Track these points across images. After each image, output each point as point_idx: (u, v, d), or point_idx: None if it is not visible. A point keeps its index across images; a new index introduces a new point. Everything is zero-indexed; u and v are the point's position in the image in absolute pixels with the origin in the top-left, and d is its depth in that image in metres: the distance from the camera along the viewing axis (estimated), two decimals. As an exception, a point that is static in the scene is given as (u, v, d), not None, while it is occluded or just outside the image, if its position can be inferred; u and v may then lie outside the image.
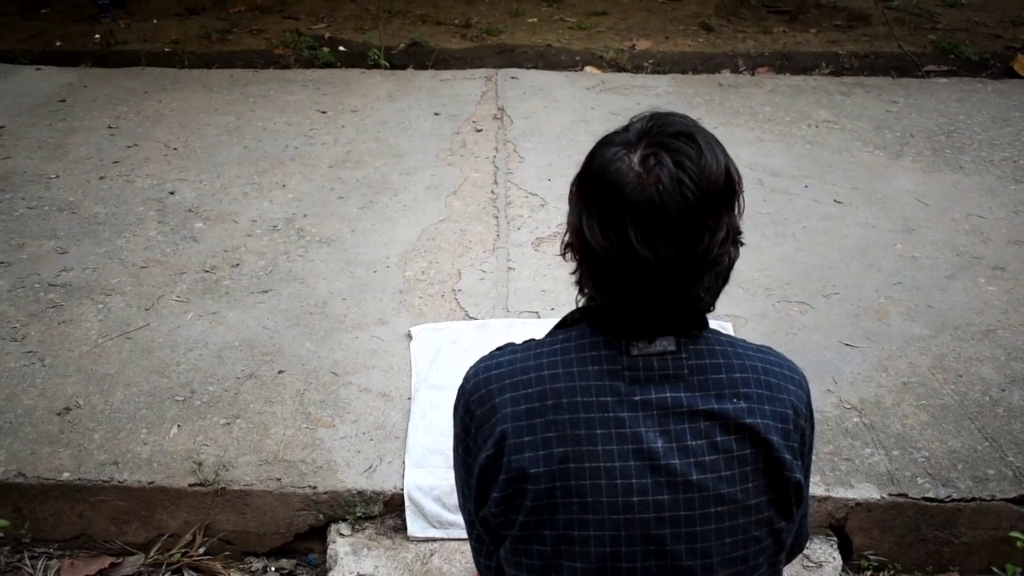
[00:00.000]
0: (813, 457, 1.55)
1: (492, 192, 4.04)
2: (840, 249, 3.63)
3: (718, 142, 1.28)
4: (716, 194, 1.25)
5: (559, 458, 1.31)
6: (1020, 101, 5.14)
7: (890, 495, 2.47)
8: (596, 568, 1.32)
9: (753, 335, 3.03)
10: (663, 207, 1.22)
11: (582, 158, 1.34)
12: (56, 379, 2.83)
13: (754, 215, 3.77)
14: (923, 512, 2.47)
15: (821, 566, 2.43)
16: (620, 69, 5.63)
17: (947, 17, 6.55)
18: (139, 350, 2.97)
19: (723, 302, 1.36)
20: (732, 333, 3.01)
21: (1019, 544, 2.39)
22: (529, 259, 3.52)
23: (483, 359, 1.44)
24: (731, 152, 1.31)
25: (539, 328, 2.86)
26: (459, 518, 2.31)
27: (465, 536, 1.61)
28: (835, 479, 2.50)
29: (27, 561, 2.49)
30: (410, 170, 4.25)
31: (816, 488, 2.45)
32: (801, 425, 1.38)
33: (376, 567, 2.39)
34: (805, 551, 2.41)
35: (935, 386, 2.86)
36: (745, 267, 3.26)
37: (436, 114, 4.86)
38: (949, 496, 2.46)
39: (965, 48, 5.81)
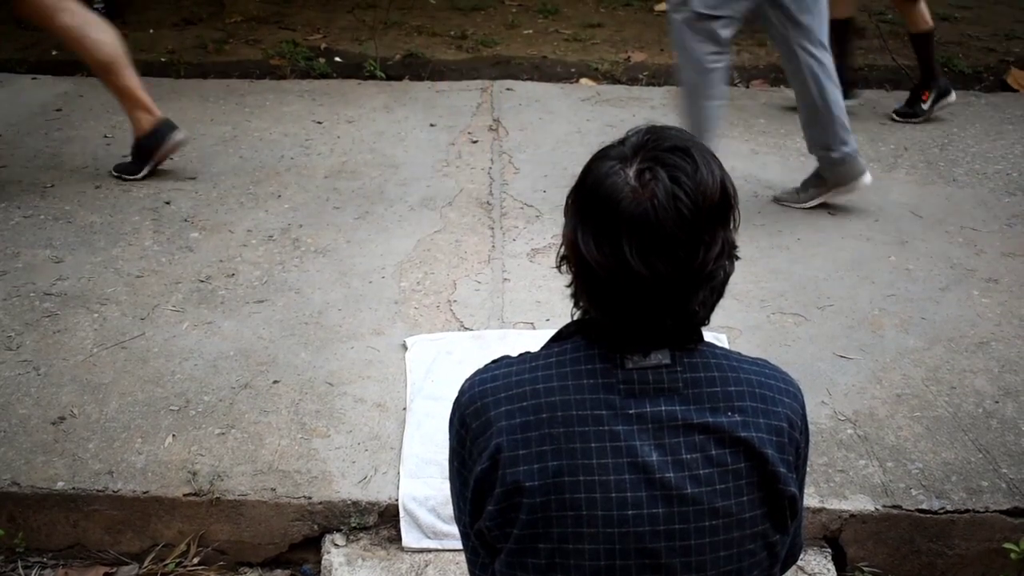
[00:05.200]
0: (808, 469, 1.56)
1: (487, 203, 4.05)
2: (834, 261, 3.64)
3: (714, 156, 1.29)
4: (711, 209, 1.26)
5: (554, 471, 1.31)
6: (1013, 114, 5.16)
7: (884, 507, 2.47)
8: (591, 581, 1.32)
9: (747, 347, 3.04)
10: (658, 222, 1.23)
11: (577, 169, 1.35)
12: (51, 388, 2.83)
13: (749, 227, 3.78)
14: (917, 524, 2.47)
15: (815, 578, 2.44)
16: (615, 81, 5.65)
17: (941, 31, 6.57)
18: (134, 360, 2.97)
19: (717, 314, 1.37)
20: (727, 345, 3.02)
21: (1013, 556, 2.40)
22: (524, 270, 3.53)
23: (478, 372, 1.44)
24: (726, 164, 1.32)
25: (534, 339, 2.86)
26: (454, 529, 2.30)
27: (460, 547, 1.61)
28: (829, 491, 2.51)
29: (21, 571, 2.49)
30: (406, 181, 4.26)
31: (810, 499, 2.45)
32: (796, 438, 1.38)
33: (371, 578, 2.39)
34: (799, 563, 2.41)
35: (929, 398, 2.87)
36: (739, 279, 3.27)
37: (432, 125, 4.88)
38: (943, 508, 2.47)
39: (959, 61, 5.84)
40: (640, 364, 1.32)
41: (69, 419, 2.71)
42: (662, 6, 6.95)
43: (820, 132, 3.83)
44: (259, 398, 2.82)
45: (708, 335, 1.41)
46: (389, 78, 5.61)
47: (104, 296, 3.31)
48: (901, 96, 5.42)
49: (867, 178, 3.87)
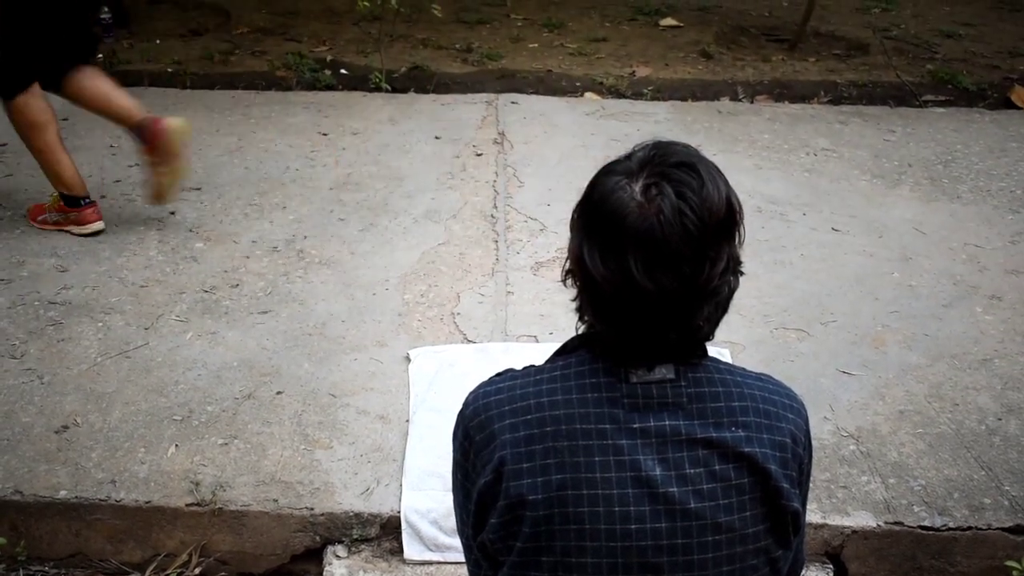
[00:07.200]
0: (810, 484, 1.56)
1: (492, 216, 4.05)
2: (838, 277, 3.64)
3: (720, 172, 1.29)
4: (717, 225, 1.26)
5: (557, 485, 1.31)
6: (1017, 131, 5.17)
7: (886, 523, 2.47)
8: (594, 594, 1.32)
9: (750, 362, 3.04)
10: (664, 237, 1.23)
11: (582, 184, 1.36)
12: (54, 397, 2.84)
13: (752, 242, 3.79)
14: (919, 540, 2.47)
15: (817, 594, 2.43)
16: (620, 95, 5.67)
17: (945, 47, 6.60)
18: (138, 369, 2.98)
19: (721, 328, 1.37)
20: (730, 359, 3.02)
21: (1015, 573, 2.40)
22: (528, 284, 3.54)
23: (482, 385, 1.44)
24: (730, 179, 1.32)
25: (538, 352, 2.86)
26: (456, 541, 2.32)
27: (462, 559, 1.61)
28: (831, 506, 2.51)
29: (22, 580, 2.49)
30: (410, 193, 4.27)
31: (812, 515, 2.45)
32: (799, 454, 1.38)
33: (372, 590, 2.39)
34: (801, 579, 2.41)
35: (932, 415, 2.87)
36: (743, 294, 3.26)
37: (437, 138, 4.89)
38: (945, 525, 2.47)
39: (963, 78, 5.85)
40: (644, 378, 1.33)
41: (72, 428, 2.71)
42: (667, 21, 6.98)
43: None
44: (262, 409, 2.82)
45: (711, 350, 1.41)
46: (394, 90, 5.63)
47: (108, 305, 3.32)
48: (906, 112, 5.45)
49: None
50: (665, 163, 1.27)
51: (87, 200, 3.79)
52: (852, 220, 4.10)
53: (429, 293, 3.46)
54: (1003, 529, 2.47)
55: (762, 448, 1.33)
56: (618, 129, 5.03)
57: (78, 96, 3.79)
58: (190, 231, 3.87)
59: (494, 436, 1.36)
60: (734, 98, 5.70)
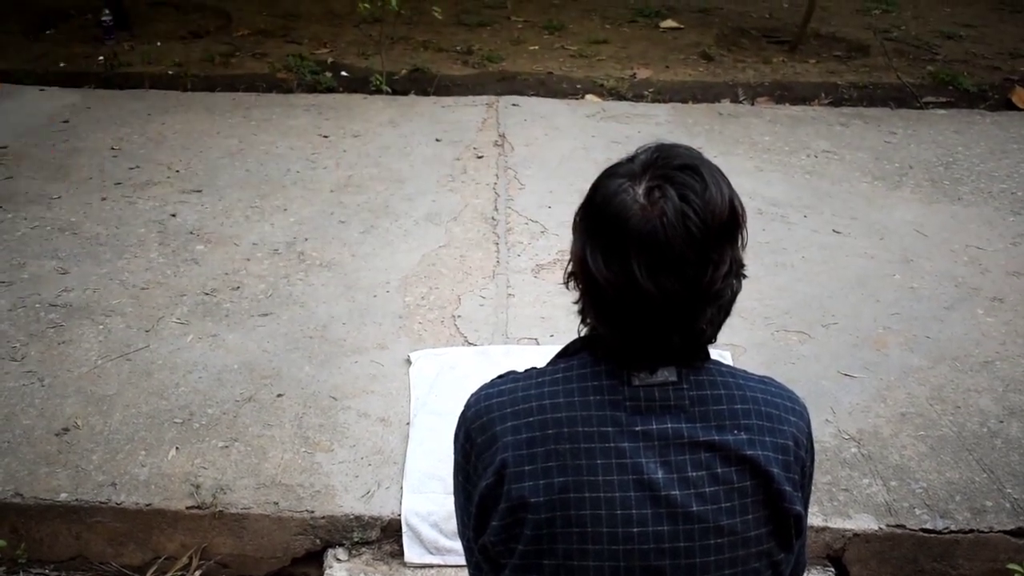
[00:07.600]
0: (812, 487, 1.56)
1: (492, 218, 4.05)
2: (839, 279, 3.64)
3: (723, 175, 1.29)
4: (720, 228, 1.26)
5: (559, 488, 1.31)
6: (1018, 133, 5.17)
7: (888, 526, 2.47)
8: (595, 597, 1.32)
9: (752, 364, 3.04)
10: (667, 240, 1.23)
11: (583, 185, 1.35)
12: (55, 399, 2.84)
13: (753, 244, 3.75)
14: (921, 543, 2.47)
15: (819, 597, 2.43)
16: (621, 97, 5.67)
17: (946, 49, 6.60)
18: (138, 372, 2.98)
19: (722, 331, 1.37)
20: (731, 362, 3.02)
21: (1016, 577, 2.39)
22: (529, 286, 3.53)
23: (484, 387, 1.44)
24: (731, 181, 1.32)
25: (539, 355, 2.86)
26: (456, 544, 2.31)
27: (462, 562, 1.61)
28: (833, 509, 2.50)
29: (23, 583, 2.49)
30: (411, 195, 4.26)
31: (814, 518, 2.45)
32: (802, 456, 1.38)
33: (373, 593, 2.38)
34: (803, 581, 2.40)
35: (933, 417, 2.86)
36: (744, 296, 3.25)
37: (437, 140, 4.89)
38: (947, 528, 2.47)
39: (964, 80, 5.85)
40: (647, 381, 1.32)
41: (73, 430, 2.71)
42: (668, 23, 6.98)
43: None
44: (263, 411, 2.82)
45: (712, 352, 1.41)
46: (395, 93, 5.63)
47: (109, 308, 3.32)
48: (907, 114, 5.45)
49: None
50: (668, 166, 1.27)
51: None
52: (853, 222, 4.10)
53: (430, 295, 3.46)
54: (1005, 532, 2.47)
55: (764, 451, 1.32)
56: (619, 131, 5.03)
57: None
58: (191, 233, 3.86)
59: (496, 438, 1.35)
60: (735, 100, 5.70)
